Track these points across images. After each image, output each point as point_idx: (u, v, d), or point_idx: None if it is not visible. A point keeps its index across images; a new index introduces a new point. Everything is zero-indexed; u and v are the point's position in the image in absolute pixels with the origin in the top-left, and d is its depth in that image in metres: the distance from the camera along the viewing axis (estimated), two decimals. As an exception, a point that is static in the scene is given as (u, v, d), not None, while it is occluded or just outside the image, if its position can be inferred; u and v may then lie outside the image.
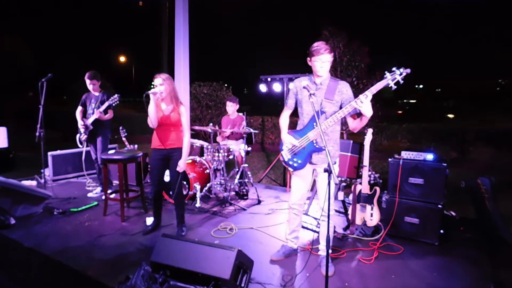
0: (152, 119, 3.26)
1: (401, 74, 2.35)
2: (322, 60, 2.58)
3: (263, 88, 5.82)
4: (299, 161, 2.73)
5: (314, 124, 2.62)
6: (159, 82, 3.23)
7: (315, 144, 2.65)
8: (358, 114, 2.57)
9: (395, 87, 2.38)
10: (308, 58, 2.66)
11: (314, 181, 2.89)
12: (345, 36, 8.52)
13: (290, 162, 2.77)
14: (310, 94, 2.47)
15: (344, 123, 8.47)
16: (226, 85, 11.08)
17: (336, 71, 8.57)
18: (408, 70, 2.34)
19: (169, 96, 3.29)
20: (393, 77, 2.36)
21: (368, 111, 2.39)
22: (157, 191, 3.52)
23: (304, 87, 2.55)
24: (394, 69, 2.36)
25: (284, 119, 2.89)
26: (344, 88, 2.64)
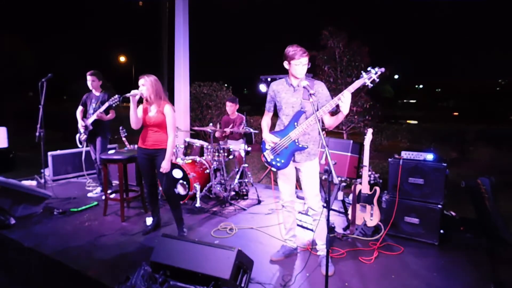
0: (132, 121, 3.26)
1: (376, 73, 2.48)
2: (302, 63, 2.63)
3: (263, 88, 5.81)
4: (282, 161, 2.77)
5: (295, 123, 2.68)
6: (142, 83, 3.23)
7: (297, 143, 2.69)
8: (334, 112, 2.66)
9: (371, 85, 2.52)
10: (286, 62, 2.68)
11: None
12: (345, 36, 8.53)
13: (274, 162, 2.81)
14: (310, 94, 2.48)
15: (344, 123, 8.49)
16: (226, 85, 11.07)
17: (336, 71, 8.59)
18: (383, 69, 2.48)
19: (153, 97, 3.24)
20: (369, 76, 2.50)
21: (346, 108, 2.50)
22: (150, 189, 3.52)
23: (304, 87, 2.56)
24: (369, 68, 2.51)
25: (265, 123, 2.94)
26: (320, 88, 2.71)
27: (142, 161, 3.42)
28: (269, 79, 5.73)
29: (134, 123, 3.28)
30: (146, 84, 3.21)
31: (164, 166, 3.26)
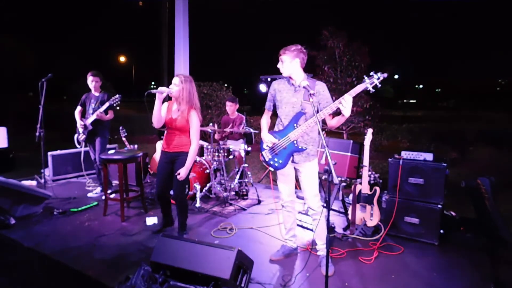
0: (154, 119, 3.17)
1: (378, 78, 2.49)
2: (281, 60, 2.69)
3: (263, 88, 5.81)
4: (280, 161, 2.76)
5: (295, 124, 2.68)
6: (175, 82, 3.16)
7: (296, 144, 2.69)
8: (335, 114, 2.65)
9: (373, 90, 2.53)
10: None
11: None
12: (345, 36, 8.51)
13: (271, 162, 2.81)
14: (310, 94, 2.48)
15: (344, 122, 8.46)
16: (226, 85, 11.07)
17: (336, 71, 8.57)
18: (385, 75, 2.49)
19: (184, 100, 3.15)
20: (371, 81, 2.50)
21: (348, 111, 2.49)
22: (159, 193, 3.42)
23: (304, 87, 2.56)
24: (372, 73, 2.51)
25: (265, 121, 2.95)
26: (321, 89, 2.70)
27: (161, 164, 3.33)
28: (269, 79, 5.73)
29: (156, 121, 3.18)
30: (180, 85, 3.14)
31: (182, 174, 3.15)
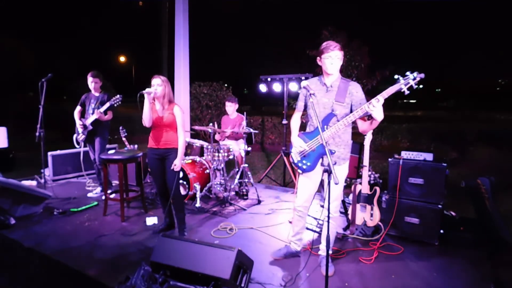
0: (146, 119, 3.28)
1: (414, 78, 2.29)
2: (332, 56, 2.51)
3: (263, 88, 5.82)
4: (309, 164, 2.68)
5: (325, 126, 2.58)
6: (158, 83, 3.26)
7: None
8: (368, 117, 2.52)
9: (408, 92, 2.31)
10: (318, 58, 2.60)
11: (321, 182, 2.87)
12: (344, 35, 8.53)
13: (300, 164, 2.73)
14: (310, 94, 2.46)
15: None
16: (226, 85, 11.07)
17: (336, 71, 8.60)
18: (422, 75, 2.28)
19: (165, 98, 3.30)
20: (406, 82, 2.30)
21: (379, 115, 2.36)
22: (160, 190, 3.51)
23: (304, 87, 2.54)
24: (407, 73, 2.30)
25: (295, 122, 2.84)
26: (354, 89, 2.58)
27: (152, 162, 3.42)
28: (269, 79, 5.73)
29: (147, 121, 3.31)
30: (162, 84, 3.27)
31: (177, 164, 3.30)
